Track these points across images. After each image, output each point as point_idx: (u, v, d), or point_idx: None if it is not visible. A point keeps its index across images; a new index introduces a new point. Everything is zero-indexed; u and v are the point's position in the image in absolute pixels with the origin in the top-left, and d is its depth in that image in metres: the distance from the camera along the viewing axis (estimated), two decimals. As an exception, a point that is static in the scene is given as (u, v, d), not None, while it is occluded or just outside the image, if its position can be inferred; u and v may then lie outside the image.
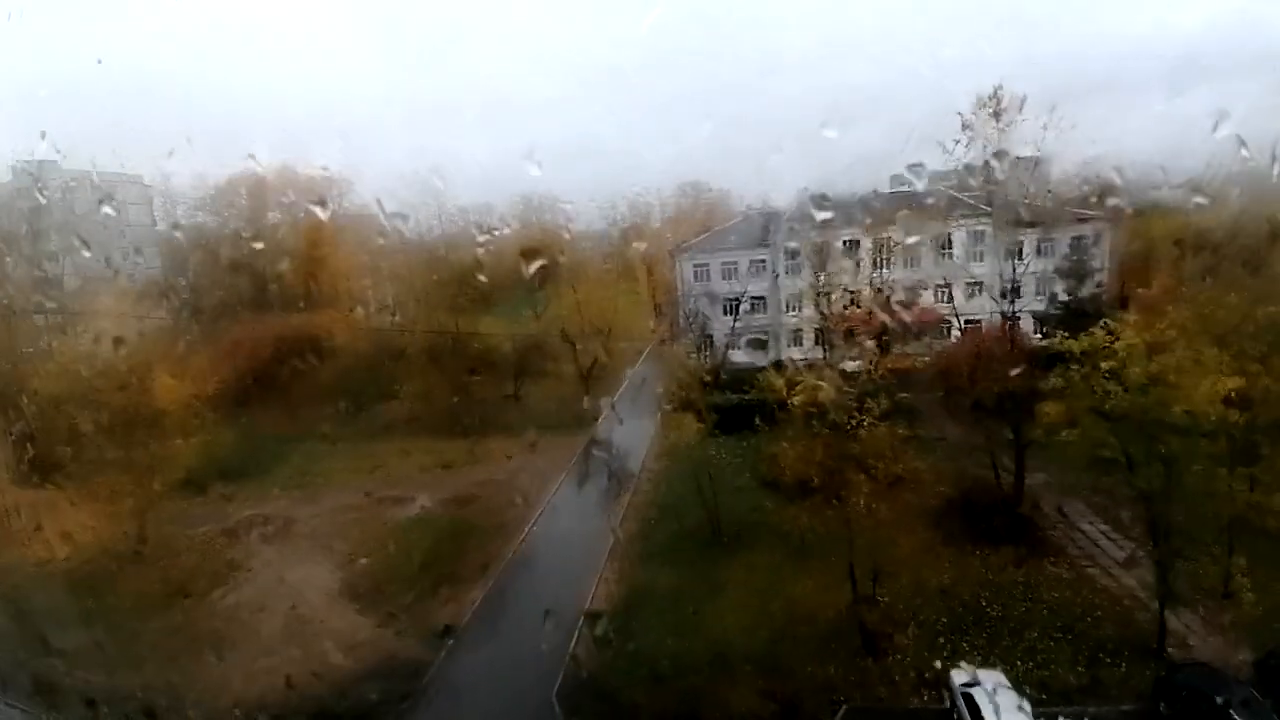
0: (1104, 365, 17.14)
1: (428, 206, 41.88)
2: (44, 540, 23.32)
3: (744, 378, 32.14)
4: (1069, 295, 30.59)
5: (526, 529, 24.45)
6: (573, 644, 18.03)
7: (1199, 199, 16.60)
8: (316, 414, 33.34)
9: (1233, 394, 15.40)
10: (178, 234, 41.24)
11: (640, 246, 48.99)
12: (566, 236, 46.81)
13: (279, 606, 20.36)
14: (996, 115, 31.05)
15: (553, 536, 24.22)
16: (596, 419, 34.01)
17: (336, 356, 34.93)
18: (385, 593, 20.78)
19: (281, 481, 28.94)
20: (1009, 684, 14.21)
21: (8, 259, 35.59)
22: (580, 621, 18.90)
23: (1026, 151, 31.26)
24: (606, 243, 49.25)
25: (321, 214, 40.62)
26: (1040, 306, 32.02)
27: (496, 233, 45.80)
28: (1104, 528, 20.87)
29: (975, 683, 14.20)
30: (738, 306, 39.74)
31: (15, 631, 18.41)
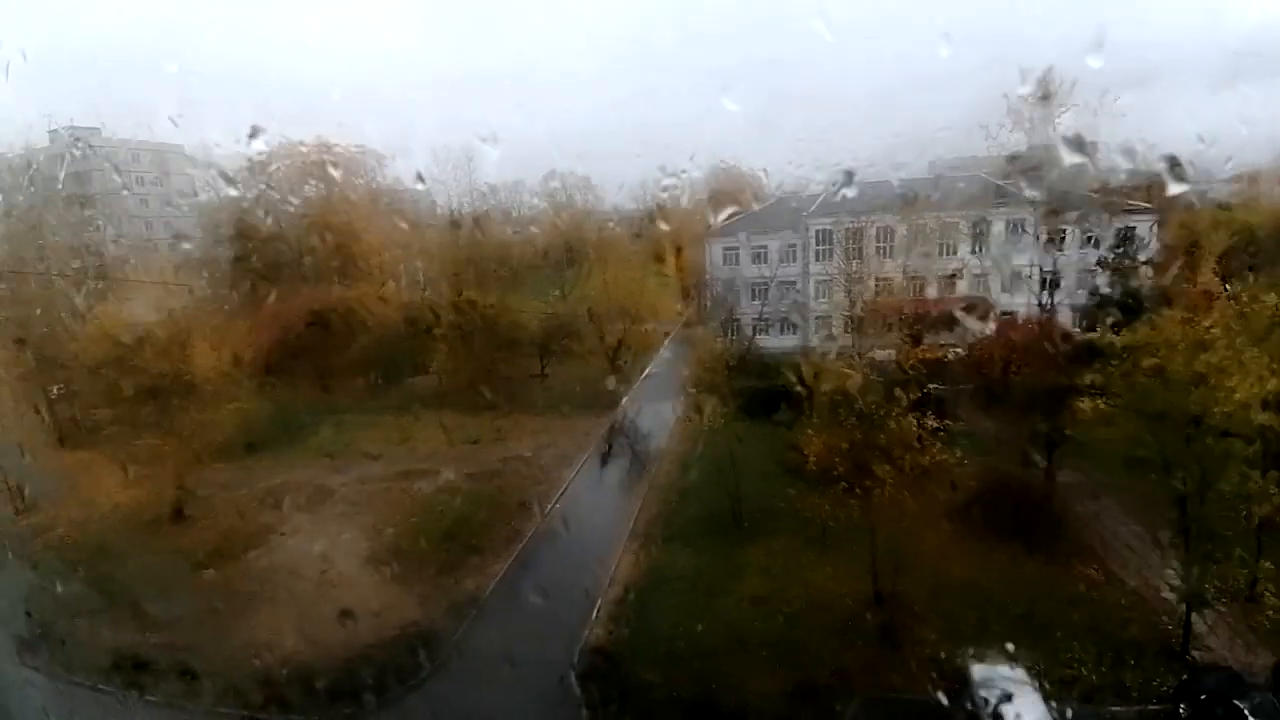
0: (1146, 362, 16.63)
1: (459, 183, 42.08)
2: (83, 500, 24.42)
3: (771, 363, 31.91)
4: (1112, 289, 29.63)
5: (550, 506, 24.79)
6: (592, 621, 18.31)
7: (1246, 194, 15.90)
8: (349, 386, 34.10)
9: (1270, 396, 14.89)
10: (217, 205, 42.10)
11: (669, 228, 48.68)
12: (596, 215, 46.88)
13: (309, 571, 21.03)
14: (1045, 99, 29.97)
15: (575, 515, 24.53)
16: (621, 399, 34.15)
17: (369, 330, 35.54)
18: (410, 562, 21.28)
19: (314, 450, 29.71)
20: (1030, 681, 14.07)
21: (49, 224, 36.76)
22: (599, 599, 19.18)
23: (1072, 138, 30.17)
24: (636, 223, 48.99)
25: (357, 189, 41.15)
26: (1081, 300, 31.10)
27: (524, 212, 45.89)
28: (1135, 528, 20.37)
29: (996, 678, 14.08)
30: (767, 291, 39.33)
31: (54, 588, 19.39)
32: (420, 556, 21.59)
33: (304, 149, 38.39)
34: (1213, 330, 16.25)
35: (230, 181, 37.35)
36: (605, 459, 28.45)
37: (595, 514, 24.47)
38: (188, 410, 23.68)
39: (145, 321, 25.22)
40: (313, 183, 40.45)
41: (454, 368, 32.89)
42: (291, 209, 40.19)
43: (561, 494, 25.72)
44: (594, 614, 18.56)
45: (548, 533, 23.41)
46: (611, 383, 35.22)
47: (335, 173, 39.47)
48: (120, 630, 18.29)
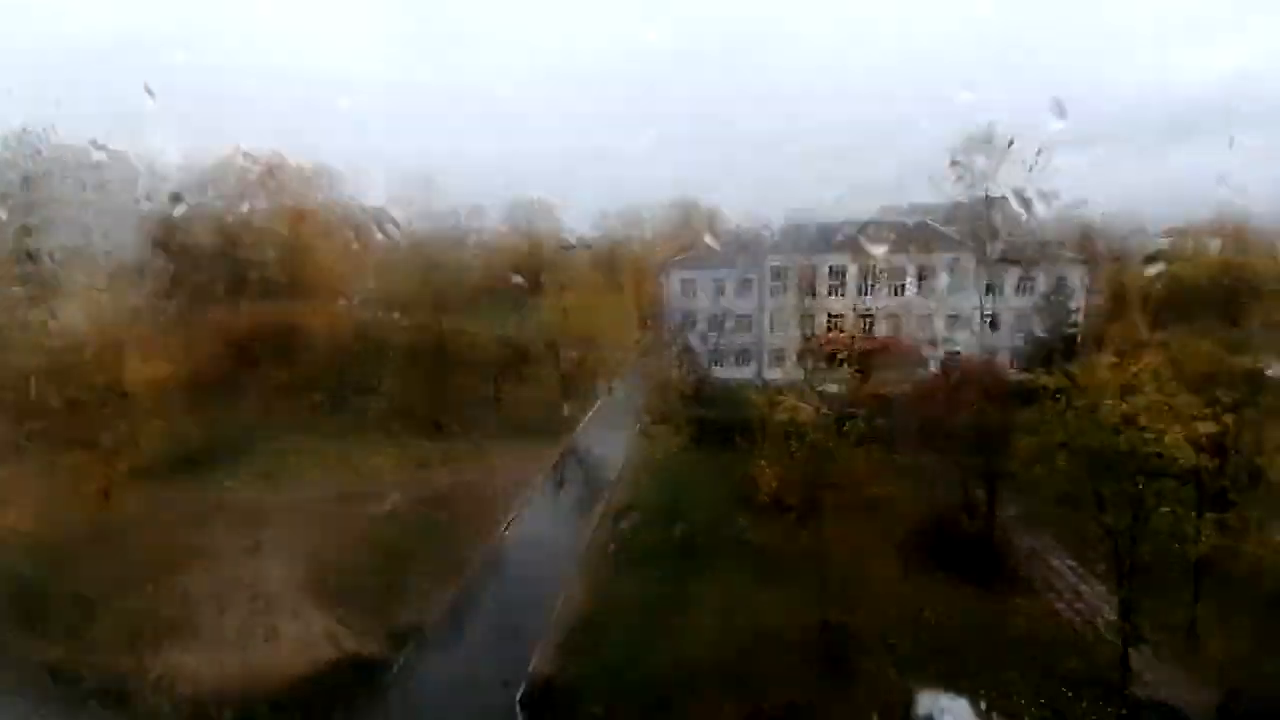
0: (1078, 403, 17.52)
1: (417, 204, 41.61)
2: (5, 513, 22.59)
3: (725, 394, 32.34)
4: (1046, 333, 31.32)
5: (499, 533, 24.21)
6: (539, 651, 17.84)
7: (1178, 247, 17.18)
8: (292, 405, 32.74)
9: (1204, 439, 15.77)
10: (159, 214, 40.51)
11: (629, 257, 49.22)
12: (556, 243, 47.03)
13: (239, 597, 19.87)
14: (986, 154, 31.95)
15: (525, 542, 24.02)
16: (576, 426, 33.89)
17: (316, 348, 34.41)
18: (349, 589, 20.37)
19: (251, 471, 28.30)
20: (971, 714, 14.30)
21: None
22: (548, 630, 18.72)
23: (1011, 191, 32.32)
24: (597, 251, 49.32)
25: (309, 203, 40.30)
26: (1018, 342, 32.75)
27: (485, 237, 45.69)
28: (1072, 563, 21.20)
29: (939, 711, 14.27)
30: (723, 323, 40.04)
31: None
32: (360, 584, 20.68)
33: (256, 162, 37.49)
34: (1141, 375, 17.27)
35: (176, 199, 36.12)
36: (558, 486, 28.06)
37: (546, 542, 24.00)
38: (117, 424, 22.34)
39: (78, 331, 23.87)
40: (263, 196, 39.44)
41: (405, 389, 32.00)
42: (239, 222, 38.95)
43: (512, 521, 25.17)
44: (541, 645, 18.09)
45: (496, 560, 22.83)
46: (566, 409, 35.00)
47: (287, 187, 38.64)
48: (36, 648, 16.87)
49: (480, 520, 24.56)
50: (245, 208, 39.54)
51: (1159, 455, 15.49)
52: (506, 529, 24.54)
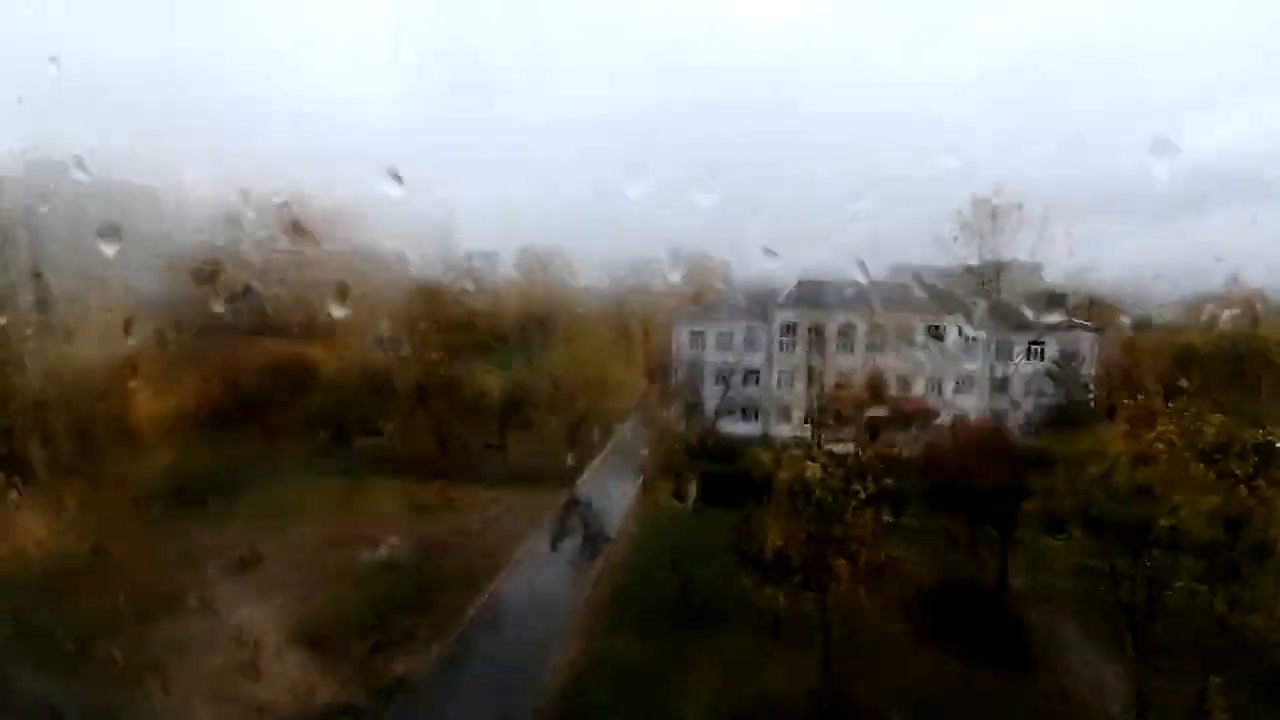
0: (1091, 471, 17.20)
1: (432, 248, 42.42)
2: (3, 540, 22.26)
3: (731, 449, 31.99)
4: (1057, 399, 31.03)
5: (495, 584, 23.61)
6: (531, 714, 17.12)
7: (1190, 316, 17.18)
8: (295, 444, 32.65)
9: (1215, 511, 15.41)
10: (179, 249, 41.46)
11: (638, 308, 49.62)
12: (567, 291, 47.59)
13: (227, 642, 19.30)
14: (994, 219, 32.44)
15: (522, 595, 23.37)
16: (578, 476, 33.49)
17: (323, 387, 34.53)
18: (339, 638, 19.77)
19: (249, 510, 27.98)
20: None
21: (7, 255, 35.49)
22: (540, 690, 18.00)
23: (1021, 257, 32.68)
24: (606, 302, 49.83)
25: (329, 244, 41.13)
26: (1028, 407, 32.42)
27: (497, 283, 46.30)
28: (1084, 638, 20.36)
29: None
30: (730, 377, 40.00)
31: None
32: (350, 633, 20.08)
33: (279, 201, 38.48)
34: (1155, 445, 16.99)
35: (199, 228, 36.91)
36: (557, 538, 27.48)
37: (543, 596, 23.35)
38: (121, 458, 22.23)
39: (88, 362, 24.06)
40: (284, 235, 40.30)
41: (408, 432, 31.96)
42: (260, 260, 39.72)
43: (509, 573, 24.59)
44: (534, 705, 17.36)
45: (491, 614, 22.17)
46: (570, 459, 34.66)
47: (307, 226, 39.47)
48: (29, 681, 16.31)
49: (477, 570, 24.00)
50: (267, 247, 40.39)
51: (1173, 528, 15.09)
52: (503, 581, 23.93)
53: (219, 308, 37.33)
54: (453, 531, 26.79)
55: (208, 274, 38.18)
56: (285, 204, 38.98)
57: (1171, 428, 17.16)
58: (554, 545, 27.20)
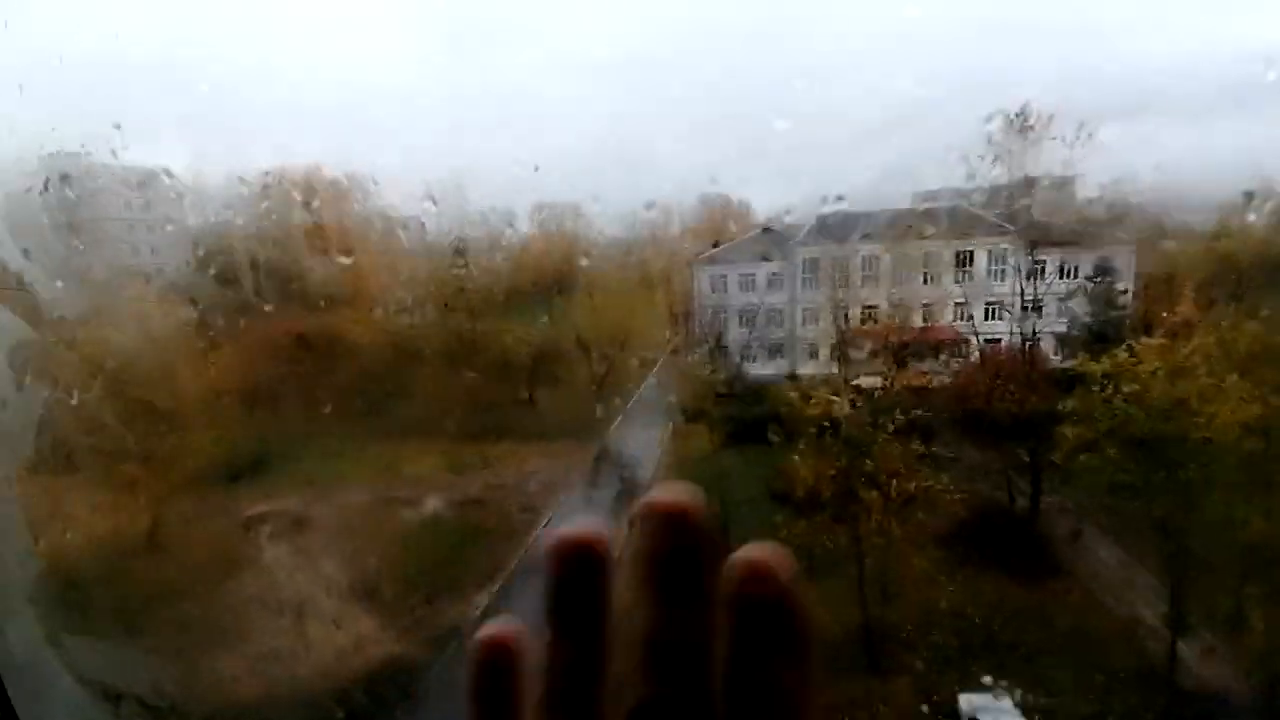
0: (1126, 389, 16.90)
1: (448, 209, 42.27)
2: (58, 527, 23.75)
3: (758, 390, 32.05)
4: (1091, 317, 30.16)
5: (535, 535, 24.48)
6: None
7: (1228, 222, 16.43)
8: (332, 413, 33.69)
9: (1251, 422, 15.11)
10: (204, 230, 42.13)
11: (657, 255, 49.12)
12: (585, 245, 47.25)
13: (287, 603, 20.54)
14: (1023, 132, 30.94)
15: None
16: (609, 427, 34.01)
17: (355, 356, 35.31)
18: (391, 593, 20.87)
19: (294, 479, 29.24)
20: (1016, 712, 13.93)
21: (32, 249, 36.45)
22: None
23: (1053, 170, 31.23)
24: (625, 251, 49.39)
25: (346, 214, 41.34)
26: (1062, 328, 31.60)
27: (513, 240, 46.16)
28: (1119, 554, 20.41)
29: (982, 708, 13.93)
30: (754, 318, 39.65)
31: (27, 618, 18.76)
32: (402, 587, 21.17)
33: (294, 173, 38.54)
34: (1192, 358, 16.57)
35: (220, 207, 37.30)
36: (592, 487, 28.21)
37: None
38: (168, 437, 23.29)
39: (128, 347, 24.92)
40: (301, 208, 40.53)
41: (441, 394, 32.61)
42: (280, 234, 40.17)
43: (547, 523, 25.42)
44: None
45: (532, 562, 23.08)
46: (599, 410, 35.12)
47: (324, 197, 39.57)
48: (89, 661, 17.70)
49: (516, 523, 24.90)
50: (285, 222, 40.75)
51: (1208, 440, 14.88)
52: (542, 531, 24.78)
53: (244, 285, 38.19)
54: (491, 488, 27.68)
55: (234, 252, 38.87)
56: (293, 177, 39.04)
57: (1207, 340, 16.68)
58: (590, 495, 27.95)
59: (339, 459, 30.60)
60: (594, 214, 49.72)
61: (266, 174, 39.82)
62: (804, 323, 39.08)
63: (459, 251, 39.73)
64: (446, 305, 35.84)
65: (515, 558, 22.94)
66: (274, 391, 33.01)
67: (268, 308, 38.19)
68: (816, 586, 19.22)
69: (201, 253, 40.77)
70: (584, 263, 44.17)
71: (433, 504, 26.30)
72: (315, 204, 39.69)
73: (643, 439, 31.53)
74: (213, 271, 39.09)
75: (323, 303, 38.32)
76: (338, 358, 35.05)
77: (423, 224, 41.65)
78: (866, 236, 36.54)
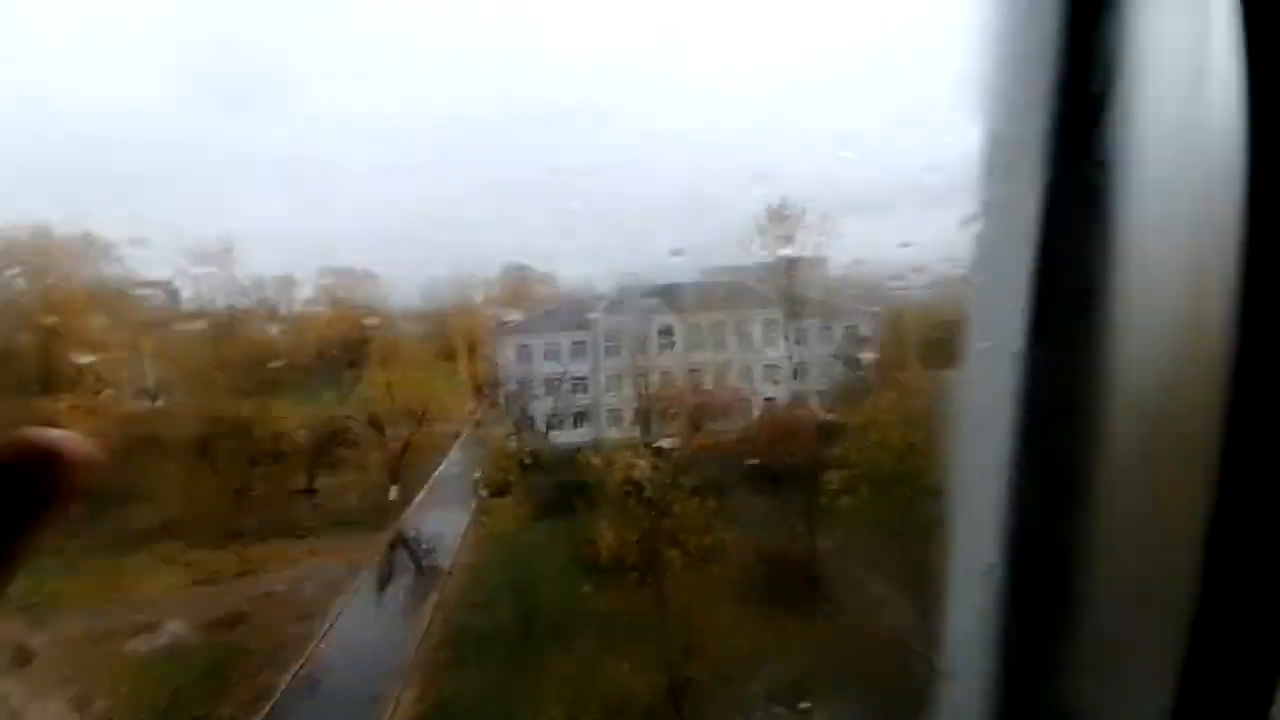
0: (872, 437, 19.65)
1: (213, 276, 37.31)
2: None
3: (564, 459, 31.93)
4: (845, 377, 35.07)
5: (310, 648, 21.18)
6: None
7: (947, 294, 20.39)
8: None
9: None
10: None
11: (460, 326, 47.86)
12: (379, 313, 44.48)
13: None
14: (783, 221, 35.96)
15: (345, 652, 21.22)
16: (405, 511, 31.32)
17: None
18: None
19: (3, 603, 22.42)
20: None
21: None
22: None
23: (807, 253, 36.67)
24: (424, 322, 47.33)
25: (73, 281, 34.59)
26: (824, 387, 36.30)
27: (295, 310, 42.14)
28: (883, 585, 23.10)
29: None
30: (560, 387, 39.95)
31: None
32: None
33: (19, 235, 31.58)
34: (919, 407, 19.83)
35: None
36: (384, 581, 25.45)
37: (371, 647, 21.41)
38: None
39: None
40: (23, 277, 33.19)
41: (189, 492, 27.47)
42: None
43: (328, 630, 22.22)
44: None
45: (309, 681, 19.86)
46: (394, 493, 32.35)
47: (48, 262, 32.84)
48: None
49: (288, 636, 21.36)
50: (5, 289, 32.95)
51: (938, 478, 17.67)
52: (322, 642, 21.59)
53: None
54: (253, 598, 23.56)
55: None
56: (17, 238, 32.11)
57: (932, 393, 20.11)
58: (381, 589, 25.15)
59: (54, 577, 24.13)
60: (390, 283, 47.31)
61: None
62: (607, 389, 40.28)
63: (205, 322, 34.98)
64: (202, 383, 30.99)
65: (285, 678, 19.55)
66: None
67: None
68: (625, 654, 19.05)
69: None
70: (376, 332, 41.47)
71: (173, 628, 21.59)
72: (47, 265, 32.82)
73: (444, 519, 29.43)
74: None
75: (36, 388, 31.12)
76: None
77: (175, 290, 36.41)
78: (662, 307, 39.27)
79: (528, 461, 32.38)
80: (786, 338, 38.10)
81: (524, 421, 38.67)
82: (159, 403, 33.22)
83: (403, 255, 37.37)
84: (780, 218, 35.69)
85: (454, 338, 47.87)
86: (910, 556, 18.80)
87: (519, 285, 57.63)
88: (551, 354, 40.86)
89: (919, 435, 19.08)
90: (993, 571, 1.76)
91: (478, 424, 41.00)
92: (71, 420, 29.52)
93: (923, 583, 18.43)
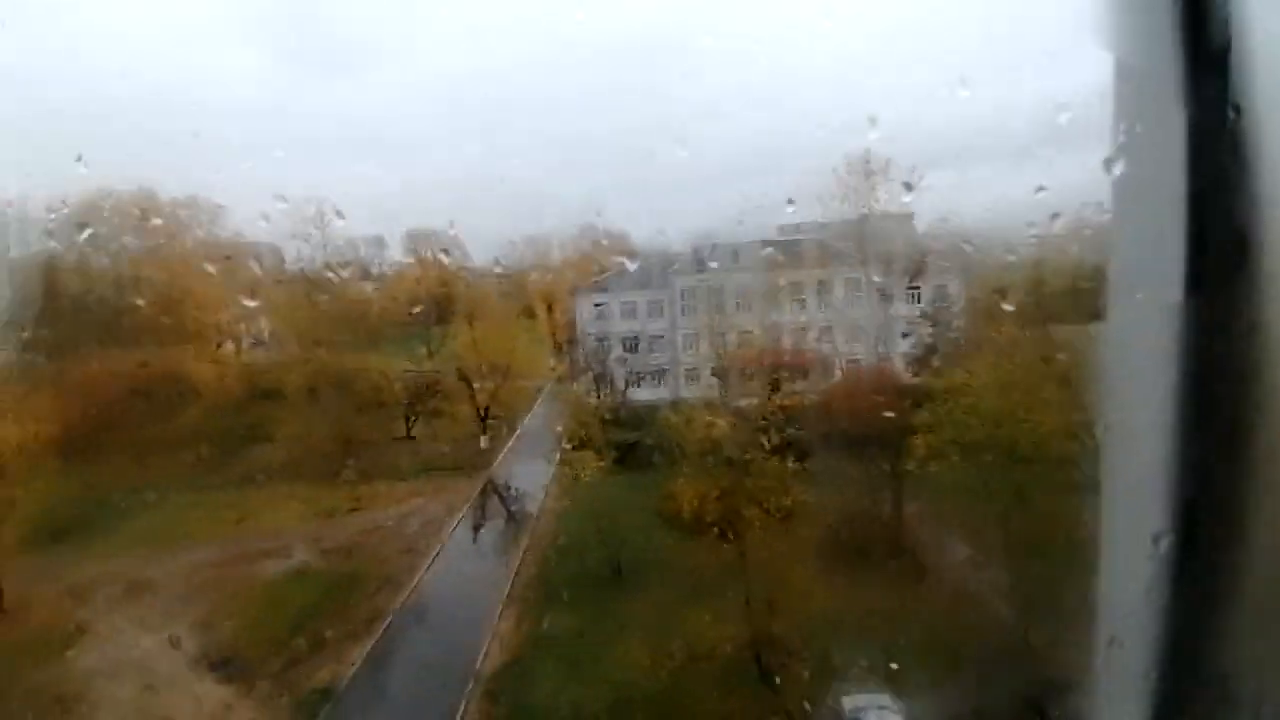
0: (964, 402, 19.01)
1: (311, 237, 39.61)
2: None
3: (643, 416, 32.60)
4: (933, 338, 33.74)
5: (416, 578, 23.05)
6: (466, 698, 17.08)
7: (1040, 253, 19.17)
8: (174, 461, 29.96)
9: (1073, 429, 17.43)
10: (26, 261, 36.54)
11: (540, 284, 48.97)
12: (464, 273, 46.07)
13: (130, 674, 17.85)
14: (867, 176, 34.40)
15: (445, 585, 22.99)
16: (494, 459, 33.03)
17: (200, 396, 31.78)
18: (250, 658, 18.74)
19: (133, 536, 25.59)
20: (894, 707, 14.95)
21: None
22: (474, 674, 17.99)
23: (894, 208, 34.96)
24: (506, 280, 48.70)
25: (188, 241, 37.60)
26: (909, 348, 35.12)
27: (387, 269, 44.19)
28: (969, 552, 22.66)
29: (863, 706, 14.81)
30: (637, 345, 40.45)
31: None
32: (262, 650, 19.07)
33: (126, 198, 34.52)
34: (1015, 372, 18.99)
35: (44, 235, 32.58)
36: (478, 522, 27.13)
37: (468, 581, 23.09)
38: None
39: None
40: (132, 236, 36.36)
41: (305, 434, 29.97)
42: (109, 264, 35.66)
43: (431, 564, 24.06)
44: (469, 691, 17.32)
45: (415, 607, 21.70)
46: (483, 442, 34.06)
47: (162, 222, 35.79)
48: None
49: (395, 568, 23.32)
50: (117, 249, 36.28)
51: (1036, 445, 17.00)
52: (425, 574, 23.41)
53: (74, 322, 33.39)
54: (365, 532, 25.77)
55: (56, 286, 33.94)
56: (135, 201, 35.07)
57: (1028, 356, 19.22)
58: (476, 530, 26.87)
59: (181, 512, 27.18)
60: (472, 243, 48.80)
61: (92, 198, 35.46)
62: (685, 348, 40.47)
63: (308, 280, 37.27)
64: (309, 337, 33.34)
65: (395, 603, 21.47)
66: (103, 440, 28.83)
67: (95, 345, 33.66)
68: (707, 606, 19.69)
69: (21, 287, 35.31)
70: (461, 290, 43.09)
71: (297, 555, 23.98)
72: (155, 226, 35.83)
73: (530, 469, 30.90)
74: (33, 307, 33.87)
75: (161, 339, 34.35)
76: (179, 400, 31.36)
77: (278, 250, 38.87)
78: (738, 267, 38.74)
79: (607, 417, 33.27)
80: (870, 296, 36.90)
81: (603, 378, 39.60)
82: (272, 354, 36.05)
83: (483, 216, 38.43)
84: (864, 170, 34.20)
85: (534, 296, 49.16)
86: (1003, 526, 18.35)
87: (596, 244, 58.13)
88: (628, 313, 41.29)
89: (1016, 400, 18.32)
90: (1161, 539, 1.69)
91: (559, 380, 42.29)
92: (197, 370, 32.60)
93: (1016, 552, 18.00)
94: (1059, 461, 17.68)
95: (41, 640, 19.03)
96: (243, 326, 39.30)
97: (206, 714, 16.62)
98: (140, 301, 34.97)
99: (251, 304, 37.37)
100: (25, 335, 31.53)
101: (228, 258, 37.56)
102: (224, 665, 18.33)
